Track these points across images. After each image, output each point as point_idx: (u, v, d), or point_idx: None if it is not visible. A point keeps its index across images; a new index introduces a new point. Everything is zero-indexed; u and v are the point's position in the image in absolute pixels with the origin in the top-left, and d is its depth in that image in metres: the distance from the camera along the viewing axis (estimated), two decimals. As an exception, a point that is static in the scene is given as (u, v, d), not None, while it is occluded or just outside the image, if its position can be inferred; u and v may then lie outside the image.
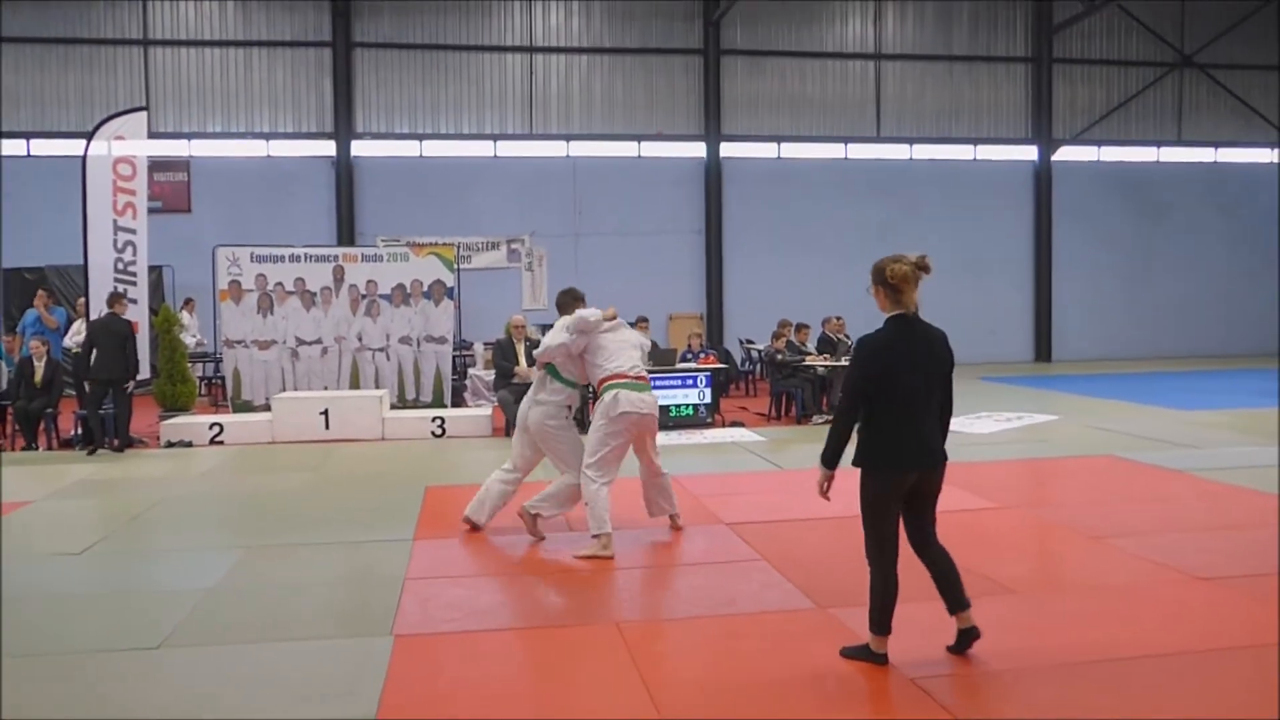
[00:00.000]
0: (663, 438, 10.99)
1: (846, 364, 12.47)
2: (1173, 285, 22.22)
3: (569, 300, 6.57)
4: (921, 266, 4.02)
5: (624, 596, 5.24)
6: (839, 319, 13.92)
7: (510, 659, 4.32)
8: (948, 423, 4.16)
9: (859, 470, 4.07)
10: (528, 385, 11.25)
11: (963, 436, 10.72)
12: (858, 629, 4.56)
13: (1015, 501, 7.39)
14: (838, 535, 6.53)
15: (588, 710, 3.71)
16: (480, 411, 12.39)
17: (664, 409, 11.75)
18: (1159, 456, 8.91)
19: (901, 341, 4.01)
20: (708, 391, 11.98)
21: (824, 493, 4.19)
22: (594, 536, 6.03)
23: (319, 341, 13.13)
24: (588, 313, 6.28)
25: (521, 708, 3.76)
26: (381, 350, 13.25)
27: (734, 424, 12.08)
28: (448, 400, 13.35)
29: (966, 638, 4.12)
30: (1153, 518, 6.72)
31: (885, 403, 3.97)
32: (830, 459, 4.12)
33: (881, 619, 4.14)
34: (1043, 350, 21.86)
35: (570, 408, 6.44)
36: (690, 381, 11.95)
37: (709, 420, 11.89)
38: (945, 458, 4.13)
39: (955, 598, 4.16)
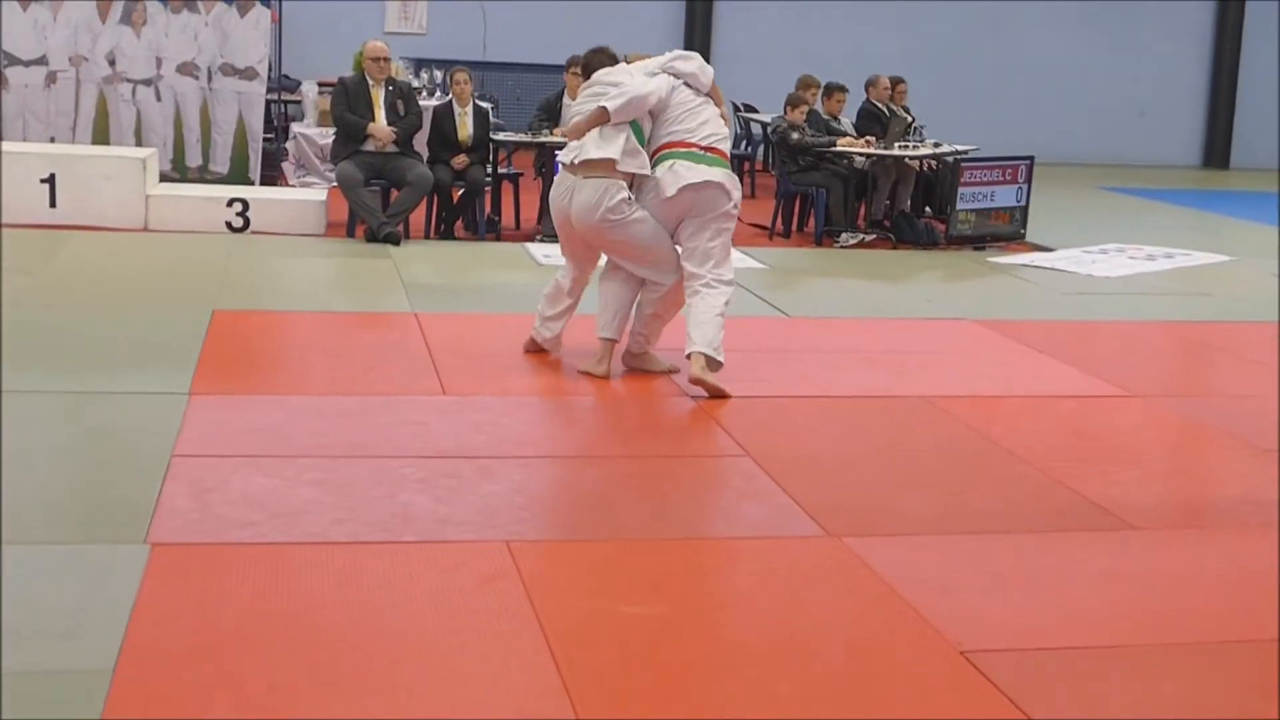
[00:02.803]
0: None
1: (901, 153, 12.58)
2: None
3: (604, 61, 7.40)
4: None
5: (524, 500, 5.27)
6: (896, 81, 13.79)
7: (336, 592, 4.33)
8: None
9: None
10: (385, 155, 11.28)
11: (1077, 280, 10.85)
12: (883, 569, 4.66)
13: (1150, 388, 7.52)
14: (864, 422, 6.62)
15: (455, 691, 3.75)
16: (307, 194, 12.27)
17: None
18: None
19: None
20: (678, 186, 11.91)
21: None
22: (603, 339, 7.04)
23: (42, 62, 12.82)
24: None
25: (347, 681, 3.79)
26: (148, 84, 13.00)
27: (716, 240, 12.07)
28: (255, 173, 13.23)
29: None
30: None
31: None
32: None
33: None
34: (1217, 150, 21.98)
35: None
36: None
37: (677, 232, 11.85)
38: None
39: None
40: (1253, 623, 4.41)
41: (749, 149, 17.02)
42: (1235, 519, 5.56)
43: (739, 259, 10.97)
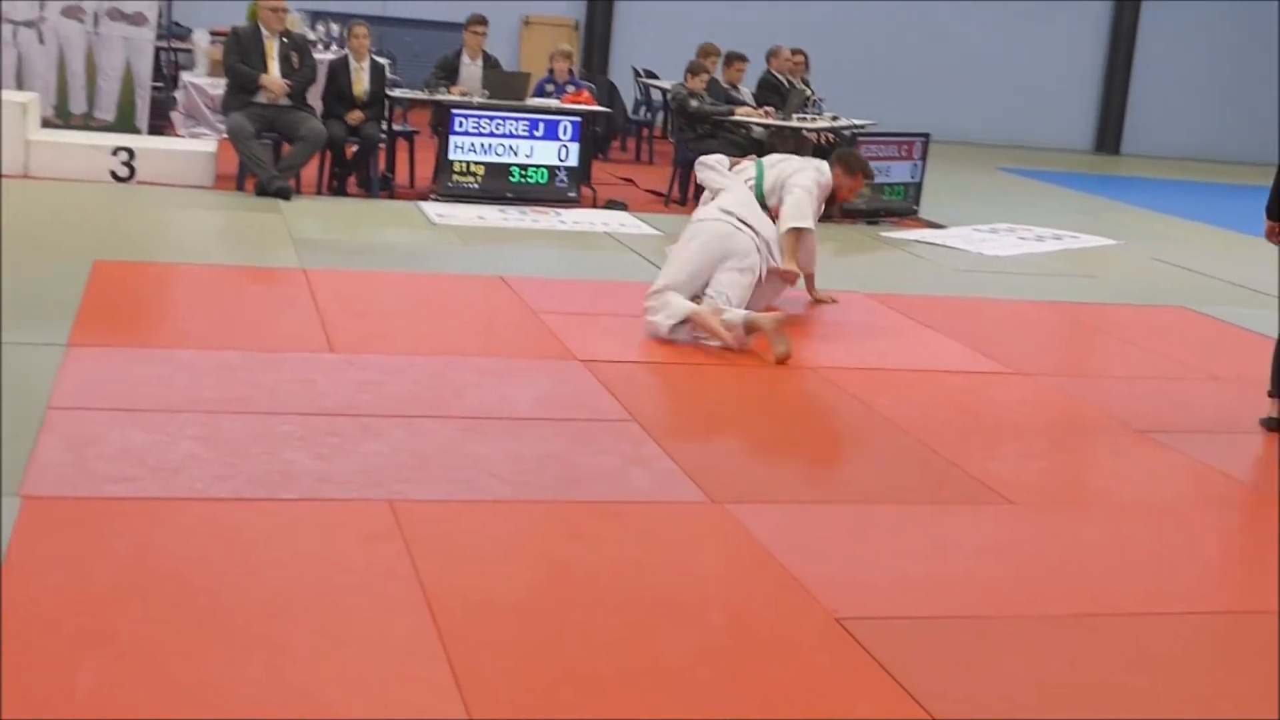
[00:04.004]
0: (497, 216, 10.97)
1: (799, 125, 12.65)
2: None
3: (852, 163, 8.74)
4: None
5: (408, 460, 5.28)
6: (797, 54, 13.88)
7: (215, 548, 4.32)
8: None
9: None
10: (277, 108, 11.16)
11: (968, 258, 11.01)
12: (764, 536, 4.73)
13: (1032, 366, 7.66)
14: (752, 391, 6.69)
15: (333, 650, 3.76)
16: (196, 145, 12.08)
17: (504, 170, 11.67)
18: (1256, 316, 9.32)
19: None
20: (574, 148, 11.92)
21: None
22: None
23: (-82, 0, 12.50)
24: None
25: (223, 638, 3.79)
26: (29, 25, 12.72)
27: (611, 204, 12.10)
28: (142, 122, 13.03)
29: None
30: (1232, 408, 7.05)
31: None
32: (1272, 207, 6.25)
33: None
34: (1108, 136, 22.38)
35: None
36: (548, 130, 11.86)
37: (572, 195, 11.88)
38: None
39: None
40: (1125, 597, 4.55)
41: (648, 115, 16.99)
42: (1111, 497, 5.72)
43: (631, 223, 11.05)
